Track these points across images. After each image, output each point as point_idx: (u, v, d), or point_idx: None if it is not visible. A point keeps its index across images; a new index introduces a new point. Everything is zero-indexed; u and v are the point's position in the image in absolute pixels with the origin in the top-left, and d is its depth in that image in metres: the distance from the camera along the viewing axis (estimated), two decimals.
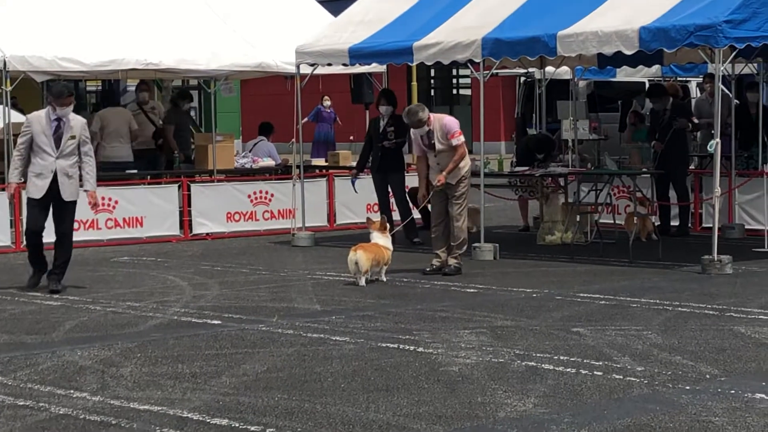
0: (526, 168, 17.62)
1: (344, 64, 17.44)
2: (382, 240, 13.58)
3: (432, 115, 14.22)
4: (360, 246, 13.42)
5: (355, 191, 18.21)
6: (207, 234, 18.40)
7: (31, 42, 17.46)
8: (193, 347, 9.98)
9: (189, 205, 18.30)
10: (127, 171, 18.84)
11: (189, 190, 18.36)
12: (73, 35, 17.93)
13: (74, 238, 17.22)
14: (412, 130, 14.29)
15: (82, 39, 17.93)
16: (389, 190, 17.43)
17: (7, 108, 17.37)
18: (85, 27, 18.24)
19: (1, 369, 9.22)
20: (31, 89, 21.90)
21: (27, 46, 17.36)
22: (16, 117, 21.31)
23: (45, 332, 10.79)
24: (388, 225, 13.90)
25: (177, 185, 18.33)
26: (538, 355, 9.41)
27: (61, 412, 7.88)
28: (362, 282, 13.22)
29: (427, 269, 14.20)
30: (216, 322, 11.18)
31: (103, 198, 17.53)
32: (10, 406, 8.05)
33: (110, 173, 18.21)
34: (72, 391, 8.45)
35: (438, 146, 14.09)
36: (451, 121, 14.28)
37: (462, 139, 14.13)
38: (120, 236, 17.72)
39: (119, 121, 19.13)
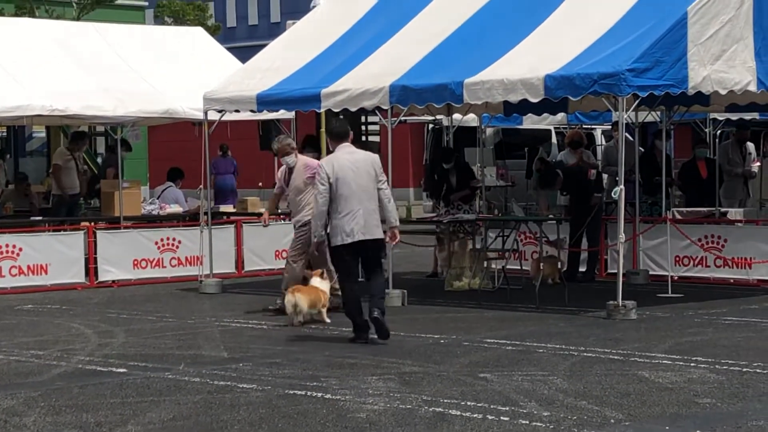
0: (434, 214, 17.70)
1: (252, 111, 17.44)
2: (320, 284, 13.69)
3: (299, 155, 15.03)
4: (297, 288, 13.71)
5: None
6: (113, 281, 18.23)
7: None
8: (98, 396, 9.86)
9: (95, 252, 18.12)
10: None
11: (95, 236, 18.19)
12: None
13: None
14: (282, 166, 14.98)
15: None
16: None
17: None
18: None
19: None
20: None
21: None
22: None
23: None
24: (328, 273, 13.95)
25: (83, 232, 18.16)
26: (445, 401, 9.42)
27: None
28: (299, 319, 13.56)
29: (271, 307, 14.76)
30: (121, 370, 11.06)
31: (7, 245, 17.36)
32: None
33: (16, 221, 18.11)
34: None
35: (295, 183, 14.70)
36: (314, 162, 14.74)
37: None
38: (24, 284, 17.50)
39: None
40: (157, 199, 20.86)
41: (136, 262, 18.49)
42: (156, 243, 18.73)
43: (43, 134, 33.44)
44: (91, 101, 18.46)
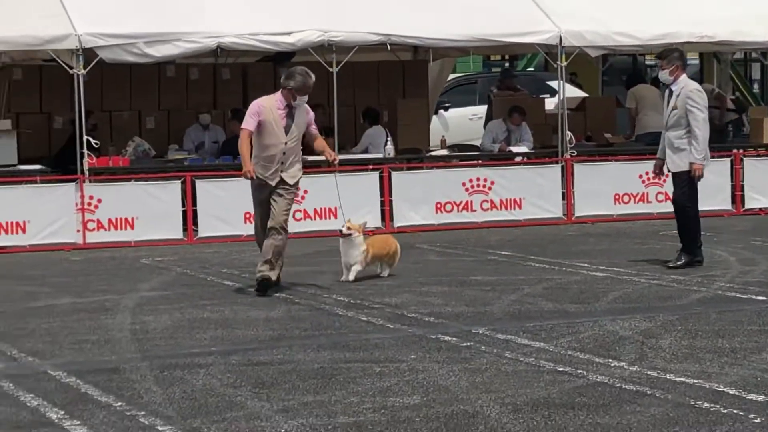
0: None
1: None
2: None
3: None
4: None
5: None
6: (760, 209, 17.97)
7: (586, 18, 17.81)
8: (734, 322, 9.83)
9: (741, 180, 17.96)
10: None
11: (741, 164, 18.01)
12: (626, 10, 18.12)
13: (624, 211, 17.51)
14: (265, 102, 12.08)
15: (635, 13, 18.08)
16: None
17: (562, 82, 17.85)
18: (637, 1, 18.38)
19: (544, 336, 9.52)
20: (587, 64, 22.30)
21: (582, 21, 17.73)
22: (572, 92, 21.94)
23: (588, 302, 11.01)
24: None
25: (729, 159, 18.05)
26: None
27: (597, 380, 8.04)
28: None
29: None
30: (761, 297, 10.94)
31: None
32: (550, 372, 8.32)
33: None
34: (610, 360, 8.59)
35: (298, 130, 11.98)
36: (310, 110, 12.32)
37: None
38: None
39: (652, 95, 19.53)
40: None
41: None
42: None
43: (697, 61, 33.47)
44: (739, 26, 18.26)
